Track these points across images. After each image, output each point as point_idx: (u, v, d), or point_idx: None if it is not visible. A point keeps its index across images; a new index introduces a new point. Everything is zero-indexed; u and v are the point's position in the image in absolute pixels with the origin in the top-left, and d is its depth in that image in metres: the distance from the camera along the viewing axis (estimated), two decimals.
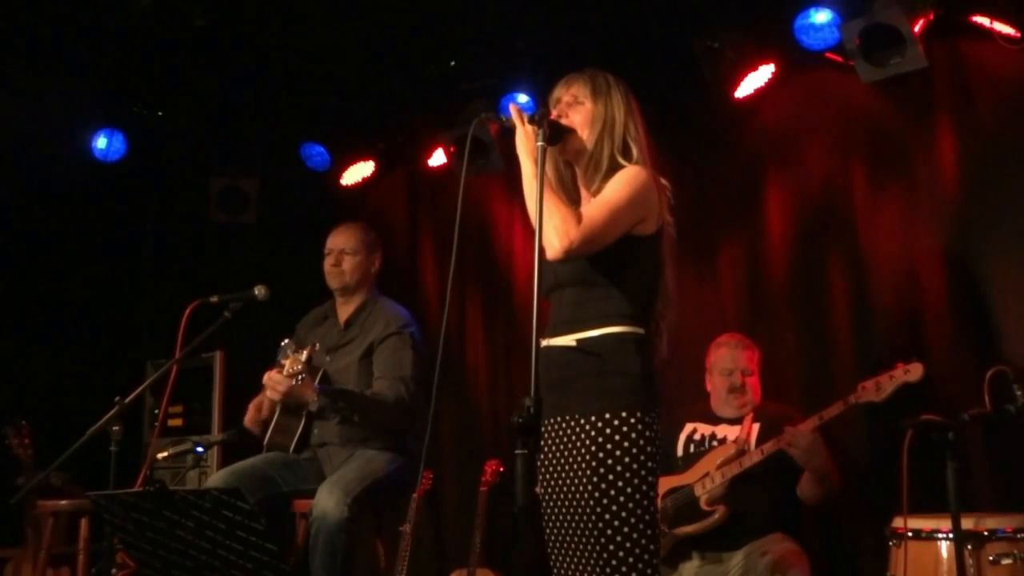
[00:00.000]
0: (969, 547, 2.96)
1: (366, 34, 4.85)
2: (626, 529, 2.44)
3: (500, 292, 5.33)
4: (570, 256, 2.50)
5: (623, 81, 2.73)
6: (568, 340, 2.59)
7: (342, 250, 4.08)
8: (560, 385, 2.56)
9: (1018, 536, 3.03)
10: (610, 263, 2.57)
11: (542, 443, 2.61)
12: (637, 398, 2.50)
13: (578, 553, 2.51)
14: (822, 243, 4.35)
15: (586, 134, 2.64)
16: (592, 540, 2.46)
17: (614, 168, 2.62)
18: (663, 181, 2.67)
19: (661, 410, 2.57)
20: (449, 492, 5.25)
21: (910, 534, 3.11)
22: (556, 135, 2.60)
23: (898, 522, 3.16)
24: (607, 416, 2.49)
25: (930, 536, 3.09)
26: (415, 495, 4.33)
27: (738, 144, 4.65)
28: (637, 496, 2.45)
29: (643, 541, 2.45)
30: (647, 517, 2.46)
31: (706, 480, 3.75)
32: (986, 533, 3.02)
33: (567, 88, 2.71)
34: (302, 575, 3.57)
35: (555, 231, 2.46)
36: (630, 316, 2.57)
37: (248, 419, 3.91)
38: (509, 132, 2.64)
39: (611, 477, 2.45)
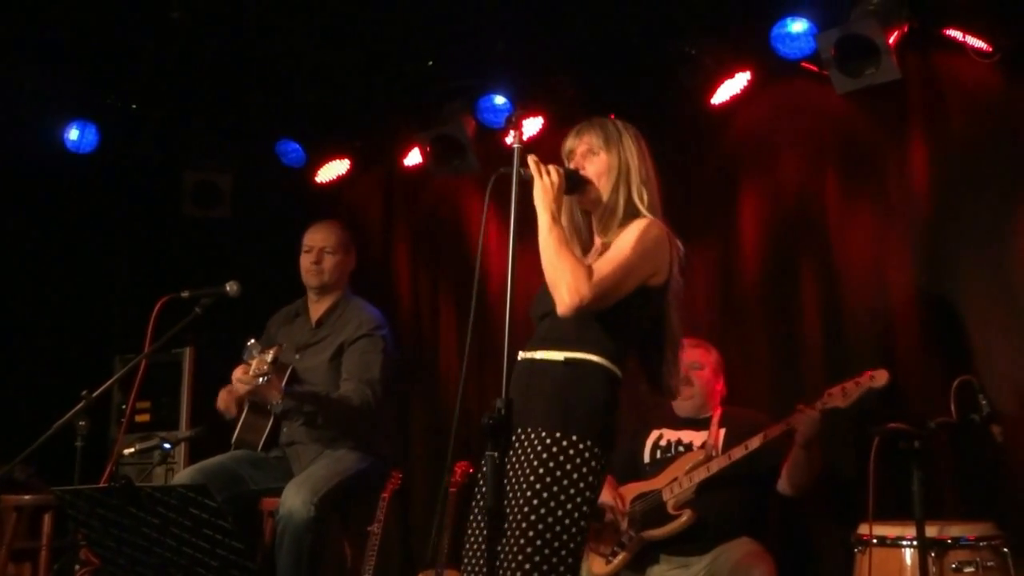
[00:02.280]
0: (933, 554, 3.00)
1: (344, 32, 4.84)
2: (548, 551, 2.40)
3: (475, 294, 5.31)
4: (580, 312, 2.50)
5: (631, 126, 2.76)
6: (555, 355, 2.58)
7: (322, 248, 4.05)
8: (527, 395, 2.55)
9: (980, 544, 3.08)
10: (612, 305, 2.58)
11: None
12: (594, 429, 2.50)
13: (503, 553, 2.46)
14: (794, 250, 4.39)
15: (602, 183, 2.67)
16: (516, 550, 2.41)
17: (629, 215, 2.65)
18: (676, 240, 2.69)
19: (611, 453, 2.57)
20: (418, 493, 5.24)
21: (875, 541, 3.15)
22: (575, 186, 2.65)
23: (863, 529, 3.19)
24: (557, 435, 2.48)
25: (895, 543, 3.13)
26: (384, 495, 4.32)
27: (713, 150, 4.68)
28: (568, 521, 2.43)
29: (562, 568, 2.41)
30: (572, 544, 2.43)
31: (674, 485, 3.77)
32: (949, 541, 3.06)
33: (579, 138, 2.73)
34: (269, 574, 3.55)
35: (567, 288, 2.47)
36: (612, 353, 2.57)
37: (220, 400, 3.88)
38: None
39: (545, 495, 2.43)
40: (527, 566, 2.39)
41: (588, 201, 2.71)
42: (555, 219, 2.55)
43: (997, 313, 3.81)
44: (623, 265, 2.54)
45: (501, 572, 2.42)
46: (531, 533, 2.41)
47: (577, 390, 2.53)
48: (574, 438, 2.48)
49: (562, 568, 2.42)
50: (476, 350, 5.22)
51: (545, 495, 2.43)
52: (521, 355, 2.65)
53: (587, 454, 2.48)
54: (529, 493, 2.44)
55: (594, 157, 2.70)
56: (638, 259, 2.56)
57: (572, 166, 2.70)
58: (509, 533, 2.44)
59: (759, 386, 4.34)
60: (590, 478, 2.47)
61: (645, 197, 2.67)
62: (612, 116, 2.78)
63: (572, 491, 2.45)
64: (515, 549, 2.41)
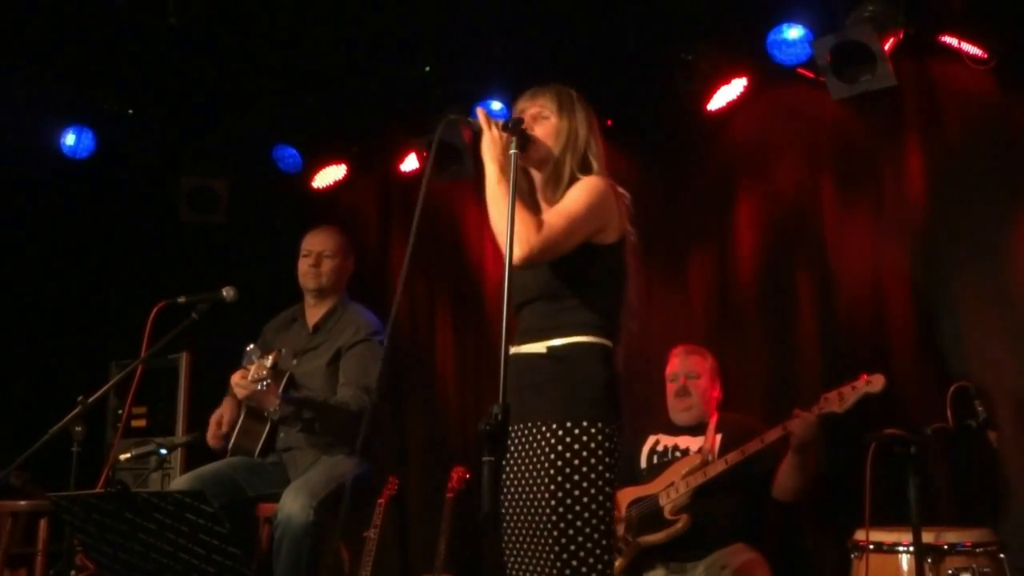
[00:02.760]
0: (929, 560, 3.00)
1: (341, 37, 4.84)
2: (581, 538, 2.46)
3: (470, 299, 5.32)
4: (530, 263, 2.51)
5: (584, 98, 2.76)
6: (537, 347, 2.61)
7: (321, 252, 4.06)
8: (526, 391, 2.58)
9: (977, 550, 3.08)
10: (576, 275, 2.60)
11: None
12: (600, 409, 2.53)
13: (535, 559, 2.53)
14: (790, 256, 4.40)
15: (551, 146, 2.67)
16: (549, 546, 2.48)
17: (573, 182, 2.65)
18: (621, 190, 2.70)
19: (622, 422, 2.59)
20: (415, 498, 5.24)
21: (871, 547, 3.15)
22: (522, 143, 2.60)
23: (860, 534, 3.20)
24: (568, 425, 2.51)
25: (891, 549, 3.13)
26: (380, 500, 4.32)
27: (709, 156, 4.69)
28: (594, 505, 2.48)
29: (598, 551, 2.47)
30: (603, 526, 2.49)
31: (671, 490, 3.77)
32: (946, 547, 3.06)
33: (533, 100, 2.74)
34: None
35: (516, 238, 2.45)
36: (597, 327, 2.59)
37: (210, 435, 3.88)
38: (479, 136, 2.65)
39: (568, 485, 2.47)
40: (564, 556, 2.44)
41: (533, 160, 2.69)
42: (503, 171, 2.54)
43: (993, 319, 3.82)
44: (570, 217, 2.55)
45: (542, 568, 2.47)
46: (562, 525, 2.46)
47: (573, 376, 2.55)
48: (585, 423, 2.51)
49: (598, 551, 2.46)
50: (472, 353, 5.25)
51: (568, 486, 2.47)
52: (512, 350, 2.65)
53: (600, 436, 2.51)
54: (553, 487, 2.47)
55: (544, 121, 2.70)
56: (586, 212, 2.57)
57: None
58: (539, 530, 2.48)
59: (755, 391, 4.35)
60: (607, 459, 2.51)
61: (594, 168, 2.68)
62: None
63: (593, 475, 2.49)
64: (550, 541, 2.46)
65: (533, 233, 2.48)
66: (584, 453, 2.49)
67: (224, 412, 3.86)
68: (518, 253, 2.45)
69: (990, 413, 3.21)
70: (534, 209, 2.69)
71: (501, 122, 2.60)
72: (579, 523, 2.46)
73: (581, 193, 2.59)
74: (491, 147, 2.58)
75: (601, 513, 2.48)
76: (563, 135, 2.67)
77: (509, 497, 2.61)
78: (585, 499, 2.47)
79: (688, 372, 4.01)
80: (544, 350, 2.58)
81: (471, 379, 5.23)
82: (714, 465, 3.72)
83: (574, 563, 2.45)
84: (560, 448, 2.49)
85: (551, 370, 2.57)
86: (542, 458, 2.52)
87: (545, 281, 2.61)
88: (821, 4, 4.13)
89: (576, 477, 2.48)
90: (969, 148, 3.96)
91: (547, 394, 2.56)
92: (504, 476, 2.62)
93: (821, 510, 4.05)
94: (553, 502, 2.47)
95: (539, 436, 2.55)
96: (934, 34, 3.97)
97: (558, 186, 2.66)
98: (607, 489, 2.50)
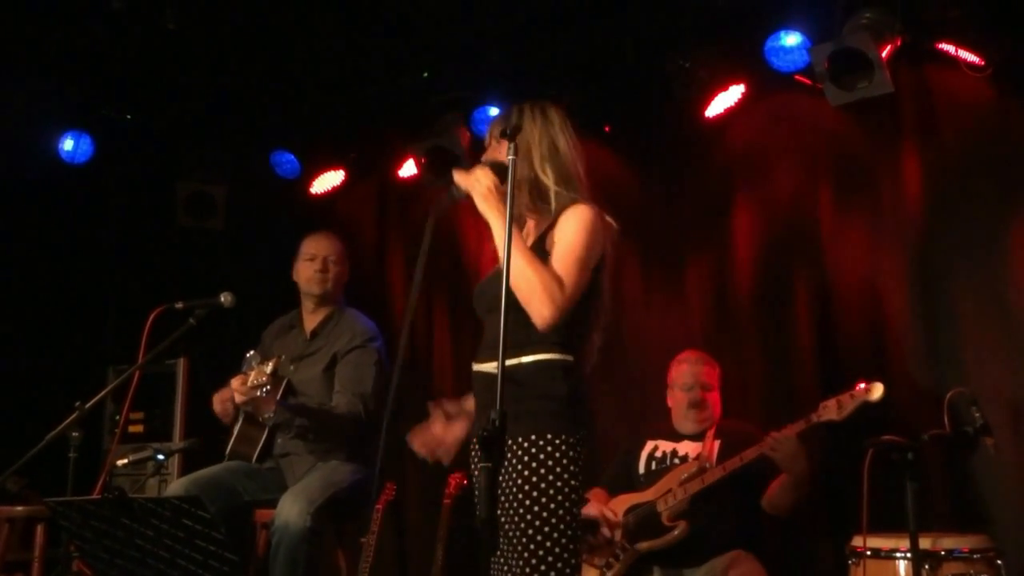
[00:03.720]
0: (927, 567, 3.00)
1: (339, 44, 4.85)
2: (548, 544, 2.49)
3: (468, 307, 5.30)
4: (562, 318, 2.52)
5: (556, 106, 2.76)
6: (491, 367, 2.60)
7: (327, 257, 4.05)
8: (489, 408, 2.57)
9: (974, 556, 3.08)
10: None
11: (472, 463, 2.69)
12: (562, 421, 2.55)
13: (510, 569, 2.56)
14: (788, 262, 4.40)
15: (527, 164, 2.66)
16: (519, 553, 2.51)
17: (541, 191, 2.66)
18: (608, 219, 2.70)
19: (588, 432, 2.60)
20: (412, 504, 5.23)
21: (869, 553, 3.15)
22: (499, 173, 2.60)
23: (857, 541, 3.19)
24: (533, 438, 2.53)
25: (889, 555, 3.13)
26: (378, 507, 4.31)
27: (707, 162, 4.70)
28: (560, 513, 2.50)
29: (565, 555, 2.50)
30: (569, 533, 2.51)
31: (668, 496, 3.77)
32: (943, 553, 3.06)
33: (490, 129, 2.78)
34: None
35: (542, 302, 2.49)
36: (558, 343, 2.59)
37: (216, 403, 3.87)
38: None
39: (535, 494, 2.50)
40: (533, 562, 2.47)
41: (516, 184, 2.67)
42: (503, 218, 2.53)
43: (990, 325, 3.82)
44: (580, 263, 2.57)
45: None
46: (530, 531, 2.48)
47: (533, 393, 2.56)
48: (549, 436, 2.53)
49: (564, 558, 2.49)
50: (470, 360, 5.24)
51: (535, 494, 2.50)
52: (475, 367, 2.70)
53: (564, 447, 2.53)
54: (520, 496, 2.51)
55: (498, 145, 2.70)
56: (590, 251, 2.59)
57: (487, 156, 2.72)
58: (512, 539, 2.52)
59: (753, 397, 4.35)
60: (571, 467, 2.53)
61: (550, 172, 2.66)
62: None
63: (559, 483, 2.51)
64: (519, 549, 2.49)
65: (558, 294, 2.50)
66: (550, 463, 2.52)
67: (224, 391, 3.83)
68: (548, 316, 2.49)
69: (987, 419, 3.20)
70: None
71: (478, 166, 2.61)
72: (546, 529, 2.49)
73: (580, 232, 2.59)
74: (486, 201, 2.57)
75: (568, 519, 2.51)
76: (533, 151, 2.66)
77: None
78: (552, 506, 2.50)
79: (704, 383, 4.00)
80: (513, 367, 2.56)
81: (467, 386, 5.21)
82: (712, 472, 3.72)
83: (542, 568, 2.48)
84: (526, 459, 2.52)
85: (510, 392, 2.53)
86: (511, 471, 2.55)
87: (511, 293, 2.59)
88: (818, 11, 4.14)
89: (543, 485, 2.50)
90: (966, 155, 3.97)
91: (516, 410, 2.51)
92: (476, 488, 2.66)
93: (819, 516, 4.05)
94: (521, 510, 2.50)
95: (511, 452, 2.56)
96: (931, 41, 3.98)
97: (545, 200, 2.67)
98: (573, 497, 2.53)
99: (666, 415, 4.12)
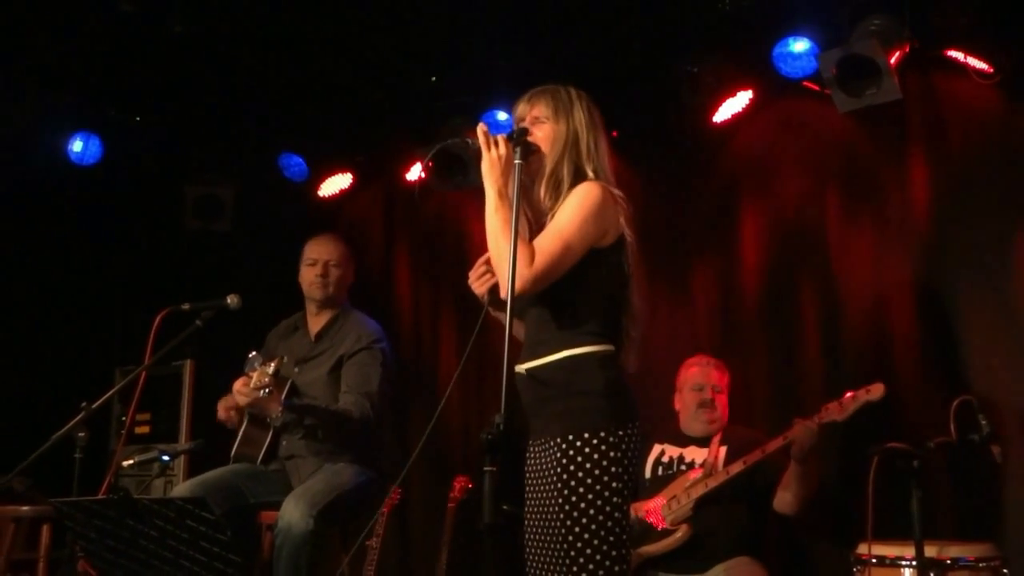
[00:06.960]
0: (932, 575, 2.99)
1: (348, 47, 4.86)
2: (589, 550, 2.46)
3: (474, 309, 5.31)
4: (532, 291, 2.52)
5: (585, 94, 2.74)
6: (540, 363, 2.60)
7: (328, 261, 4.06)
8: (532, 409, 2.63)
9: (980, 565, 3.07)
10: (573, 279, 2.57)
11: (526, 466, 2.66)
12: (601, 416, 2.52)
13: (550, 571, 2.53)
14: (794, 268, 4.40)
15: (548, 153, 2.65)
16: (560, 557, 2.48)
17: (575, 185, 2.63)
18: (618, 193, 2.66)
19: (635, 423, 2.57)
20: (417, 507, 5.23)
21: (874, 560, 3.14)
22: (525, 154, 2.60)
23: (863, 548, 3.18)
24: (571, 437, 2.51)
25: (894, 563, 3.12)
26: (383, 510, 4.31)
27: (714, 168, 4.69)
28: (602, 516, 2.47)
29: (607, 562, 2.46)
30: (612, 537, 2.47)
31: (673, 502, 3.76)
32: (949, 561, 3.05)
33: (530, 107, 2.73)
34: None
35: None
36: (595, 333, 2.58)
37: (220, 409, 3.88)
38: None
39: (574, 498, 2.47)
40: (575, 568, 2.44)
41: (533, 170, 2.66)
42: (502, 196, 2.53)
43: (997, 332, 3.81)
44: (565, 236, 2.52)
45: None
46: (571, 537, 2.45)
47: (571, 389, 2.54)
48: (586, 435, 2.50)
49: (608, 560, 2.45)
50: (476, 363, 5.24)
51: (574, 498, 2.47)
52: (518, 368, 2.65)
53: (603, 445, 2.49)
54: (560, 499, 2.48)
55: (541, 125, 2.67)
56: (582, 225, 2.54)
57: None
58: (552, 541, 2.50)
59: (759, 403, 4.35)
60: (612, 468, 2.49)
61: (594, 169, 2.65)
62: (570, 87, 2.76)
63: (598, 486, 2.47)
64: (560, 553, 2.47)
65: (525, 267, 2.46)
66: (588, 464, 2.48)
67: (228, 399, 3.84)
68: (516, 288, 2.45)
69: (994, 427, 3.19)
70: (543, 213, 2.68)
71: (502, 136, 2.58)
72: (587, 534, 2.46)
73: (574, 206, 2.56)
74: (491, 169, 2.56)
75: (609, 523, 2.47)
76: (560, 140, 2.65)
77: (529, 511, 2.64)
78: (592, 511, 2.46)
79: (714, 385, 4.00)
80: (548, 363, 2.58)
81: (474, 388, 5.22)
82: (716, 476, 3.72)
83: (584, 573, 2.45)
84: (564, 461, 2.50)
85: (549, 389, 2.57)
86: (550, 473, 2.54)
87: (544, 288, 2.59)
88: (827, 17, 4.13)
89: (581, 489, 2.47)
90: (974, 162, 3.96)
91: (546, 412, 2.58)
92: (526, 491, 2.65)
93: (824, 523, 4.04)
94: (562, 515, 2.48)
95: (547, 451, 2.58)
96: (940, 48, 3.97)
97: (557, 193, 2.64)
98: (615, 499, 2.49)
99: (672, 418, 4.11)
